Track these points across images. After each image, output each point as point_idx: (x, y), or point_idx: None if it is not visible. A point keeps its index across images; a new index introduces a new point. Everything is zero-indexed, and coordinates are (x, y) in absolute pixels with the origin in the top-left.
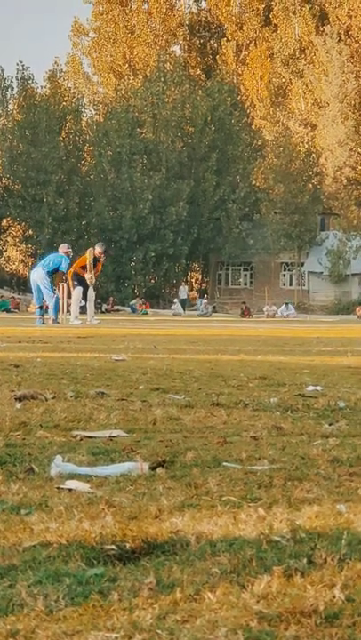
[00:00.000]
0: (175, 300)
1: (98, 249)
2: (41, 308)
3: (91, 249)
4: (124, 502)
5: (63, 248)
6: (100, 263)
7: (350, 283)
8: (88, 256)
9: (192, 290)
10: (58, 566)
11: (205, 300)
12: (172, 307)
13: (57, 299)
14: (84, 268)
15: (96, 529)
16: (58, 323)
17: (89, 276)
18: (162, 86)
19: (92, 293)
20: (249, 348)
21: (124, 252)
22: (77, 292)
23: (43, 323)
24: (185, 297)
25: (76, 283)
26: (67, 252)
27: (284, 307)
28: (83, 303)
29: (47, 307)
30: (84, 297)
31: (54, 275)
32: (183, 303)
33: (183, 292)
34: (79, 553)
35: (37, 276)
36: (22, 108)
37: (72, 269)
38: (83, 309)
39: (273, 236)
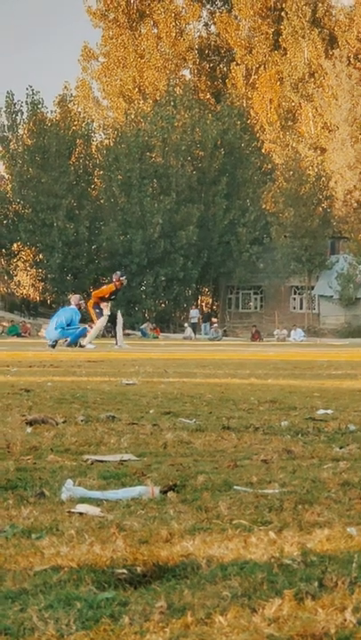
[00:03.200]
0: (186, 325)
1: (116, 277)
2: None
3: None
4: (135, 526)
5: (75, 300)
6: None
7: (360, 306)
8: (111, 288)
9: (202, 314)
10: (69, 590)
11: (216, 325)
12: (184, 331)
13: (84, 329)
14: (102, 298)
15: (107, 553)
16: (72, 347)
17: (105, 307)
18: (171, 110)
19: (120, 317)
20: (259, 371)
21: (134, 276)
22: (102, 321)
23: (53, 346)
24: (196, 321)
25: (97, 311)
26: (78, 305)
27: (298, 331)
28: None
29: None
30: (112, 321)
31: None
32: (194, 327)
33: (195, 315)
34: (90, 577)
35: (55, 336)
36: (32, 132)
37: (92, 300)
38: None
39: (283, 260)
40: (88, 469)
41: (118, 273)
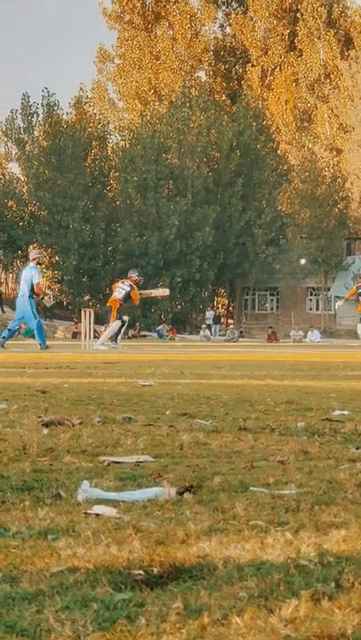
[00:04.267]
0: (203, 326)
1: (134, 276)
2: (11, 331)
3: (130, 279)
4: (152, 527)
5: (33, 254)
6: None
7: None
8: (135, 288)
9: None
10: (85, 591)
11: (232, 326)
12: (201, 332)
13: (40, 322)
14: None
15: (123, 554)
16: (47, 347)
17: (162, 293)
18: (187, 112)
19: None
20: (276, 372)
21: (150, 277)
22: (117, 323)
23: (2, 346)
24: (211, 322)
25: (118, 315)
26: (35, 259)
27: (314, 332)
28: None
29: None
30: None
31: (35, 292)
32: (209, 328)
33: (210, 316)
34: (106, 578)
35: (21, 306)
36: (48, 134)
37: (120, 302)
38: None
39: (299, 261)
40: (104, 471)
41: (134, 270)
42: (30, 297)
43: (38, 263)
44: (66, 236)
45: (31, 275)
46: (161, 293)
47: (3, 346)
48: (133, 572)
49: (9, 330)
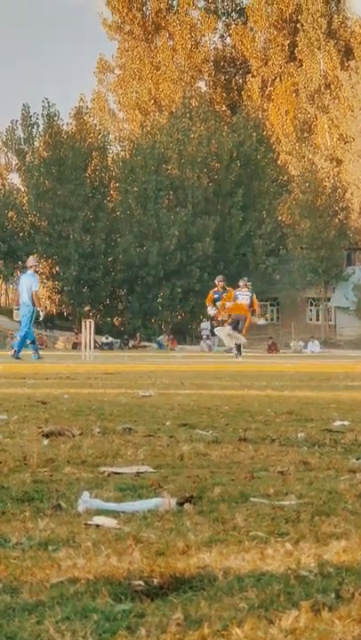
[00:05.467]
0: (204, 336)
1: (249, 284)
2: (33, 342)
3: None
4: (152, 538)
5: (30, 262)
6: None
7: None
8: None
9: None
10: (85, 602)
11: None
12: (202, 342)
13: (27, 334)
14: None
15: (124, 565)
16: (19, 359)
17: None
18: (187, 122)
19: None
20: (276, 383)
21: (150, 288)
22: (223, 331)
23: (38, 357)
24: (208, 333)
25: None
26: (32, 267)
27: (315, 342)
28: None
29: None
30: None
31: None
32: (209, 338)
33: (206, 327)
34: (107, 589)
35: (25, 312)
36: (48, 145)
37: (247, 309)
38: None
39: (299, 272)
40: (104, 481)
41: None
42: (33, 305)
43: (35, 271)
44: (66, 247)
45: (30, 286)
46: (259, 320)
47: (39, 357)
48: (134, 583)
49: (31, 341)
